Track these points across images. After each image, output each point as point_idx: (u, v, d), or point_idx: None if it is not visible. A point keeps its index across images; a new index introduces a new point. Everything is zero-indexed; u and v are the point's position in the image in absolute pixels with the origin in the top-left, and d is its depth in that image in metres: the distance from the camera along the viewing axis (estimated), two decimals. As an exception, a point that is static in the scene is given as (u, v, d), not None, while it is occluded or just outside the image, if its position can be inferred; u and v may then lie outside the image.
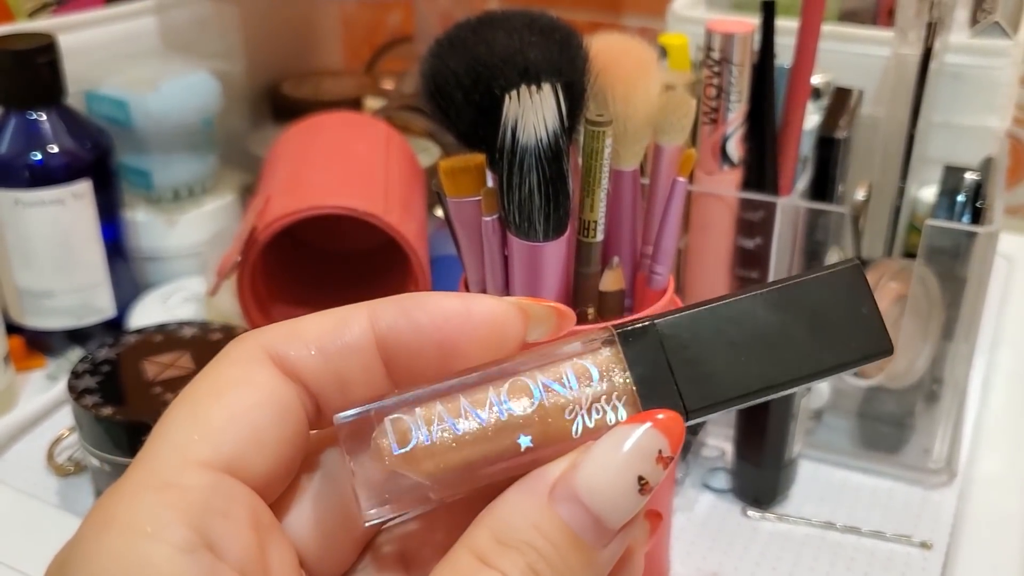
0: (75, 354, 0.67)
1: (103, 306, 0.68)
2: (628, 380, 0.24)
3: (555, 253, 0.39)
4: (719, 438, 0.59)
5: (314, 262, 0.71)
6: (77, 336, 0.68)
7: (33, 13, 0.74)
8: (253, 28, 0.86)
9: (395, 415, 0.23)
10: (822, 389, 0.58)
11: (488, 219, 0.39)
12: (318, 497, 0.25)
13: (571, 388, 0.24)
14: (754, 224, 0.55)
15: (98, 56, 0.73)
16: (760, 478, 0.55)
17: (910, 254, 0.59)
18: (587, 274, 0.41)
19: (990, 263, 0.53)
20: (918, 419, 0.57)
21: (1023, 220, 0.94)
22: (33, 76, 0.63)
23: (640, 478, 0.22)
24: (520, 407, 0.23)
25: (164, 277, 0.73)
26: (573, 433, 0.23)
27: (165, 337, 0.56)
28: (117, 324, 0.69)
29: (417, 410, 0.23)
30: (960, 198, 0.56)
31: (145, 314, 0.68)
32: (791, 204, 0.55)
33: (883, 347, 0.24)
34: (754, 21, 0.54)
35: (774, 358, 0.24)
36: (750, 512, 0.55)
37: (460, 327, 0.24)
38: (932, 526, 0.54)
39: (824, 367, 0.24)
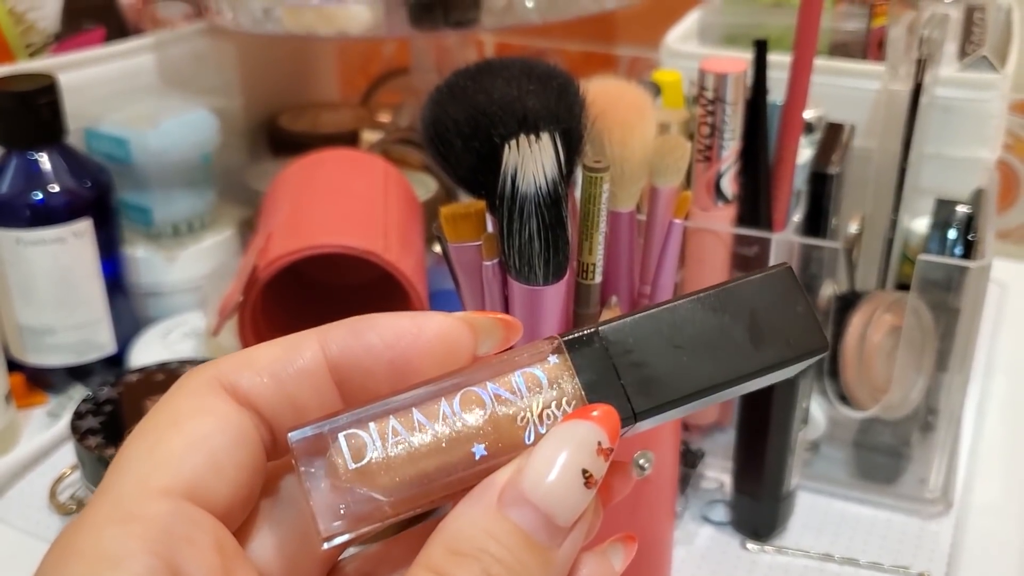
0: (76, 391, 0.67)
1: (104, 342, 0.68)
2: (576, 385, 0.24)
3: (555, 296, 0.39)
4: (718, 471, 0.59)
5: (314, 296, 0.71)
6: (78, 373, 0.68)
7: (34, 52, 0.74)
8: (249, 63, 0.87)
9: (349, 431, 0.23)
10: (819, 420, 0.58)
11: (488, 263, 0.39)
12: (279, 523, 0.25)
13: (522, 396, 0.24)
14: (749, 259, 0.55)
15: (97, 94, 0.74)
16: (759, 510, 0.55)
17: (903, 285, 0.59)
18: (586, 315, 0.42)
19: (983, 295, 0.53)
20: (914, 449, 0.58)
21: (1015, 245, 0.95)
22: (34, 117, 0.63)
23: (584, 471, 0.23)
24: (472, 417, 0.24)
25: (164, 312, 0.74)
26: (525, 440, 0.24)
27: (167, 376, 0.56)
28: (118, 360, 0.69)
29: (371, 425, 0.23)
30: (952, 233, 0.56)
31: (145, 350, 0.69)
32: (785, 239, 0.55)
33: (819, 344, 0.25)
34: (746, 56, 0.55)
35: (716, 359, 0.25)
36: (749, 544, 0.55)
37: (412, 345, 0.25)
38: (930, 556, 0.54)
39: (764, 365, 0.25)
